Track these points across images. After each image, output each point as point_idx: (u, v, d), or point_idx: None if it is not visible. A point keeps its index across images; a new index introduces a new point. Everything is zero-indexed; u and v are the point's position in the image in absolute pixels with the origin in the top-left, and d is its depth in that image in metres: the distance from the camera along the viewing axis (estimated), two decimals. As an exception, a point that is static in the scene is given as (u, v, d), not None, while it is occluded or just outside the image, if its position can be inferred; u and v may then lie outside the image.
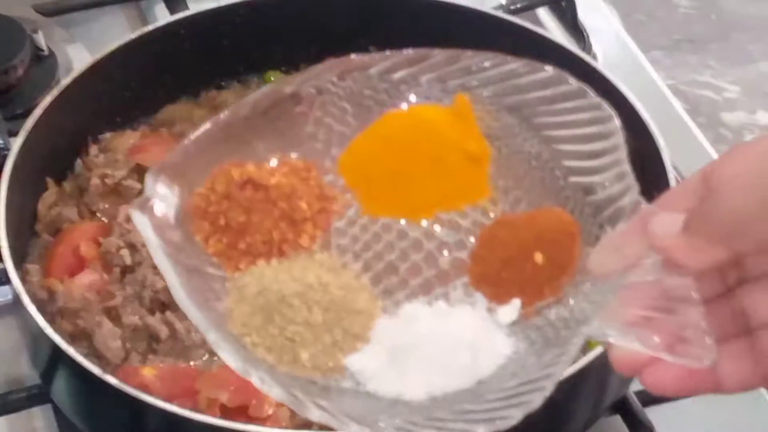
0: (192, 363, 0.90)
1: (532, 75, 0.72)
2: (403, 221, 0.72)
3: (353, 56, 0.73)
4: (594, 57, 1.18)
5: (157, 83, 1.07)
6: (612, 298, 0.63)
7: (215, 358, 0.90)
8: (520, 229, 0.70)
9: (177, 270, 0.67)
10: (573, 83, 0.71)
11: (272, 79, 1.10)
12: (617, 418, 0.92)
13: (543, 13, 1.25)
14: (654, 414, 0.91)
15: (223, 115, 0.72)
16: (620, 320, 0.61)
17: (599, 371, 0.84)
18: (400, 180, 0.72)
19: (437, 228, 0.72)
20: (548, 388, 0.62)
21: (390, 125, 0.73)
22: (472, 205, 0.72)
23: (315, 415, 0.62)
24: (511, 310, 0.68)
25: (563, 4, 1.24)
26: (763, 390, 0.97)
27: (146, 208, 0.68)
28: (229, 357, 0.64)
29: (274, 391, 0.63)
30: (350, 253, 0.71)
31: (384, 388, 0.66)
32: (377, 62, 0.73)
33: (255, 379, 0.63)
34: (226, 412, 0.85)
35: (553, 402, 0.85)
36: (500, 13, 1.10)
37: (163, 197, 0.69)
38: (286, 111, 0.73)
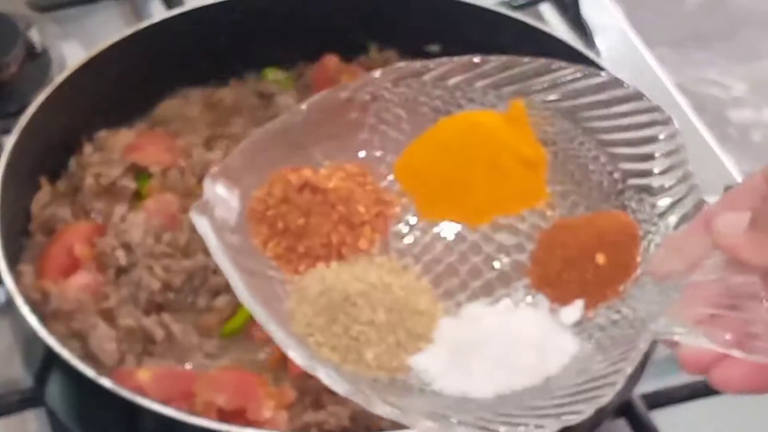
0: (188, 365, 0.90)
1: (587, 80, 0.74)
2: (460, 226, 0.73)
3: (408, 63, 0.75)
4: (597, 53, 1.17)
5: (152, 80, 1.07)
6: (676, 297, 0.64)
7: (212, 361, 0.90)
8: (580, 231, 0.71)
9: (238, 272, 0.68)
10: (628, 87, 0.73)
11: (270, 75, 1.10)
12: (622, 422, 0.92)
13: (546, 8, 1.25)
14: (659, 417, 0.91)
15: (279, 119, 0.74)
16: (686, 318, 0.62)
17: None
18: (456, 185, 0.73)
19: (495, 232, 0.73)
20: (618, 382, 0.63)
21: (445, 131, 0.74)
22: (530, 210, 0.73)
23: (383, 410, 0.63)
24: (573, 310, 0.69)
25: (566, 0, 1.24)
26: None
27: (206, 211, 0.69)
28: (295, 354, 0.65)
29: (341, 387, 0.64)
30: (409, 256, 0.72)
31: (450, 387, 0.67)
32: (432, 69, 0.75)
33: (322, 375, 0.64)
34: (223, 416, 0.84)
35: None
36: (503, 9, 1.10)
37: (222, 201, 0.71)
38: (342, 117, 0.75)
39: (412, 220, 0.73)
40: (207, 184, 0.70)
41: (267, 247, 0.71)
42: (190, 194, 0.97)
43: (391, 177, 0.74)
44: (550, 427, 0.62)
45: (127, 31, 1.03)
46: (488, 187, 0.73)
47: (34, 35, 1.16)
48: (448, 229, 0.73)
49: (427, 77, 0.75)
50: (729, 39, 1.27)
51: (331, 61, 1.08)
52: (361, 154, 0.75)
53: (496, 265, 0.72)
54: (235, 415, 0.84)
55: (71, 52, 1.18)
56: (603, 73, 0.74)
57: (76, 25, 1.22)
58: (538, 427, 0.62)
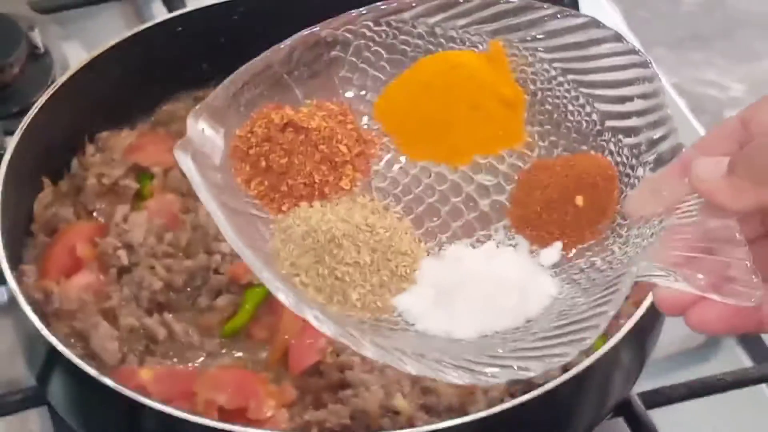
0: (190, 365, 0.90)
1: (565, 20, 0.74)
2: (441, 166, 0.73)
3: (388, 1, 0.75)
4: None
5: (154, 81, 1.07)
6: (654, 240, 0.65)
7: (213, 360, 0.90)
8: (559, 172, 0.71)
9: (223, 211, 0.68)
10: (607, 28, 0.73)
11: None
12: (620, 421, 0.92)
13: (545, 9, 1.24)
14: (657, 416, 0.91)
15: (261, 57, 0.74)
16: (664, 261, 0.63)
17: (602, 373, 0.84)
18: (436, 125, 0.73)
19: (475, 173, 0.73)
20: (601, 326, 0.63)
21: (425, 70, 0.74)
22: (509, 150, 0.73)
23: (371, 352, 0.63)
24: (553, 252, 0.69)
25: (564, 0, 1.23)
26: (764, 393, 0.97)
27: (190, 149, 0.69)
28: (282, 296, 0.65)
29: (329, 329, 0.64)
30: (391, 196, 0.72)
31: (433, 327, 0.67)
32: (412, 7, 0.75)
33: (310, 316, 0.64)
34: (225, 414, 0.84)
35: (556, 404, 0.84)
36: (502, 10, 1.09)
37: (206, 139, 0.70)
38: (322, 55, 0.74)
39: (394, 159, 0.74)
40: (190, 121, 0.70)
41: (250, 186, 0.71)
42: (192, 195, 0.97)
43: (370, 117, 0.74)
44: (534, 370, 0.62)
45: (129, 32, 1.04)
46: (468, 127, 0.73)
47: (37, 36, 1.16)
48: (429, 169, 0.73)
49: (407, 15, 0.74)
50: (727, 40, 1.27)
51: (332, 61, 1.08)
52: (341, 92, 0.75)
53: (477, 206, 0.72)
54: (236, 414, 0.84)
55: (73, 53, 1.18)
56: (581, 14, 0.74)
57: (78, 26, 1.22)
58: (521, 369, 0.63)
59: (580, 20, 0.74)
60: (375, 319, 0.68)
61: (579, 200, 0.70)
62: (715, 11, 1.33)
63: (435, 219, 0.72)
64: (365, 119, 0.74)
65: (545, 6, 0.74)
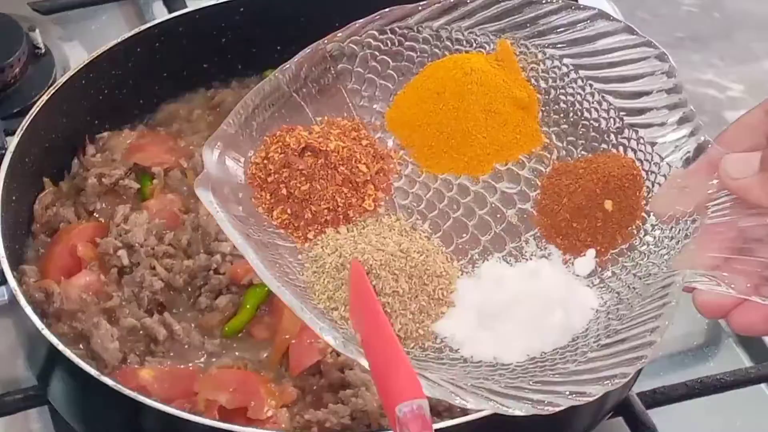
0: (190, 364, 0.90)
1: (571, 14, 0.72)
2: (463, 177, 0.72)
3: (391, 8, 0.74)
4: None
5: (154, 82, 1.07)
6: (690, 241, 0.63)
7: (214, 360, 0.90)
8: (583, 175, 0.69)
9: (251, 245, 0.66)
10: (615, 20, 0.71)
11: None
12: (619, 421, 0.92)
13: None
14: (656, 416, 0.91)
15: (268, 79, 0.73)
16: (701, 264, 0.61)
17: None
18: (452, 134, 0.72)
19: (497, 181, 0.71)
20: (657, 341, 0.61)
21: (434, 76, 0.73)
22: (527, 154, 0.72)
23: (435, 393, 0.61)
24: (587, 261, 0.68)
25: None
26: (764, 393, 0.97)
27: (209, 183, 0.67)
28: (330, 337, 0.64)
29: None
30: (416, 213, 0.71)
31: (480, 352, 0.66)
32: (415, 12, 0.74)
33: (359, 358, 0.63)
34: (225, 414, 0.84)
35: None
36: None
37: (223, 170, 0.69)
38: (329, 69, 0.74)
39: (414, 174, 0.72)
40: (206, 153, 0.69)
41: (273, 215, 0.69)
42: (192, 195, 0.97)
43: (384, 129, 0.73)
44: (593, 393, 0.61)
45: (130, 33, 1.04)
46: (485, 134, 0.72)
47: (38, 37, 1.16)
48: (450, 182, 0.72)
49: (411, 21, 0.74)
50: (726, 41, 1.27)
51: (332, 62, 1.08)
52: (351, 105, 0.74)
53: (504, 216, 0.71)
54: (237, 414, 0.84)
55: (74, 54, 1.18)
56: (587, 6, 0.72)
57: (78, 27, 1.22)
58: (579, 395, 0.61)
59: (586, 13, 0.72)
60: (420, 348, 0.66)
61: (608, 205, 0.68)
62: (714, 12, 1.33)
63: (464, 235, 0.70)
64: (379, 133, 0.73)
65: (549, 0, 0.73)
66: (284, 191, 0.69)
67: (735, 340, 1.00)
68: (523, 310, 0.66)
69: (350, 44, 0.74)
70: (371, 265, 0.67)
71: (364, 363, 0.62)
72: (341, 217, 0.70)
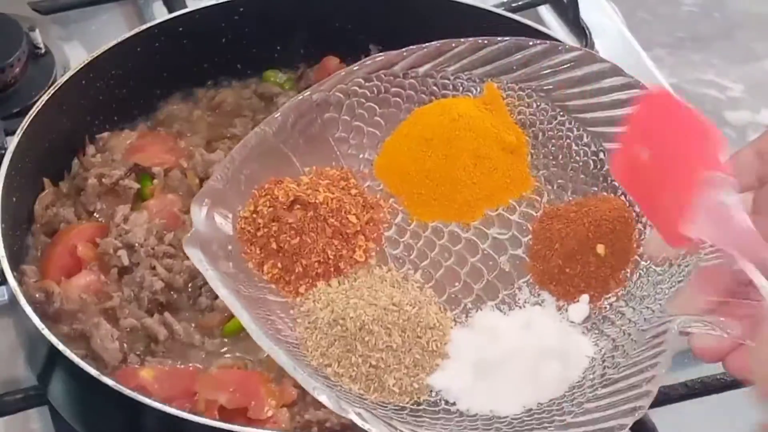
0: (190, 364, 0.90)
1: (559, 56, 0.72)
2: (453, 224, 0.71)
3: (376, 56, 0.74)
4: (596, 55, 1.17)
5: (154, 82, 1.07)
6: (683, 285, 0.63)
7: (214, 360, 0.90)
8: (574, 219, 0.69)
9: (241, 302, 0.65)
10: (604, 61, 0.70)
11: (271, 77, 1.10)
12: (620, 420, 0.91)
13: (545, 10, 1.25)
14: (656, 416, 0.91)
15: (254, 132, 0.72)
16: (695, 308, 0.61)
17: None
18: (441, 181, 0.71)
19: (488, 227, 0.71)
20: (653, 391, 0.61)
21: (422, 122, 0.73)
22: (517, 199, 0.71)
23: None
24: (581, 307, 0.68)
25: (565, 1, 1.23)
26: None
27: (198, 241, 0.67)
28: (324, 397, 0.63)
29: (376, 428, 0.62)
30: (407, 263, 0.70)
31: (475, 405, 0.65)
32: (401, 59, 0.73)
33: (354, 416, 0.62)
34: (225, 414, 0.84)
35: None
36: (501, 11, 1.10)
37: (212, 227, 0.69)
38: (316, 119, 0.73)
39: (404, 223, 0.72)
40: (194, 210, 0.68)
41: (263, 270, 0.69)
42: (192, 195, 0.97)
43: (372, 177, 0.73)
44: None
45: (130, 33, 1.04)
46: (475, 179, 0.71)
47: (38, 37, 1.16)
48: (441, 229, 0.71)
49: (397, 68, 0.73)
50: (726, 41, 1.27)
51: (332, 62, 1.08)
52: (339, 154, 0.73)
53: (496, 263, 0.70)
54: (237, 414, 0.84)
55: (74, 54, 1.18)
56: (574, 48, 0.72)
57: (78, 27, 1.22)
58: None
59: (573, 54, 0.71)
60: (414, 403, 0.66)
61: (600, 249, 0.67)
62: (714, 13, 1.33)
63: (456, 283, 0.70)
64: (368, 182, 0.72)
65: (536, 43, 0.72)
66: (274, 245, 0.69)
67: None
68: (518, 362, 0.66)
69: (336, 92, 0.73)
70: (363, 321, 0.66)
71: (359, 422, 0.62)
72: (332, 269, 0.69)
